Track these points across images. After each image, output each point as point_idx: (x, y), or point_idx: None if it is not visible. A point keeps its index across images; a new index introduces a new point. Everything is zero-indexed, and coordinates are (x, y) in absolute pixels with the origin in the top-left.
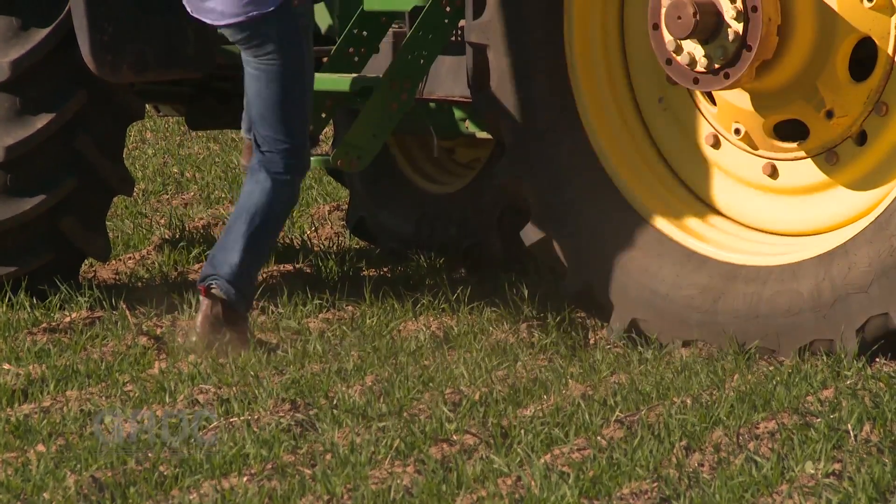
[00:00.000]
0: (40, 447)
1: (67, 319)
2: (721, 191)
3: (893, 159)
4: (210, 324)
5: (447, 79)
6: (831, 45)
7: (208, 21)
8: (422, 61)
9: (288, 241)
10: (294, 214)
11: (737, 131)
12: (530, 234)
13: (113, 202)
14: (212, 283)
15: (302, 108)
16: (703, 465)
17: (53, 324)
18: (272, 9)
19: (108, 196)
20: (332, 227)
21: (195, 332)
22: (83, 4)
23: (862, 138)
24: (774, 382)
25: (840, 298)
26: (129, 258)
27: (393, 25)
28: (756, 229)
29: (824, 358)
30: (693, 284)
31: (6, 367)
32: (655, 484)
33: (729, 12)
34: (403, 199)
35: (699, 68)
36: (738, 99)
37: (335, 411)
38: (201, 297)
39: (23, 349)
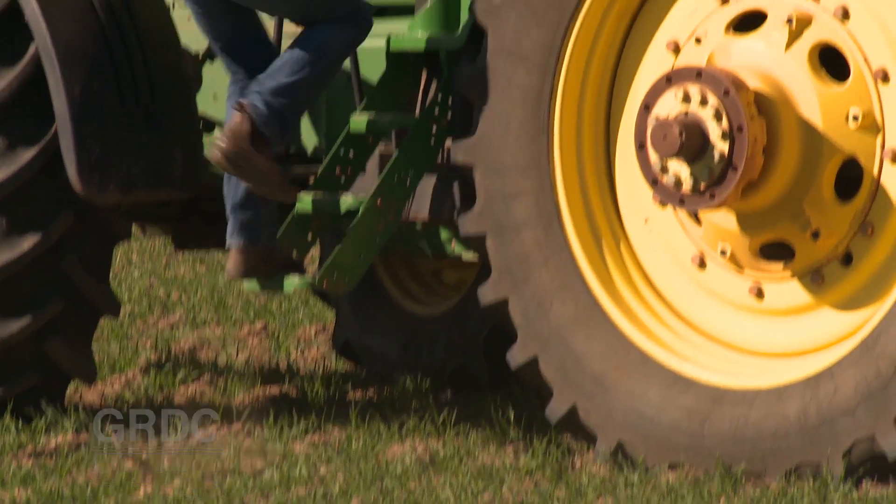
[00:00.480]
0: None
1: (53, 443)
2: (707, 312)
3: (879, 280)
4: (235, 138)
5: (434, 199)
6: (817, 165)
7: None
8: (408, 182)
9: (274, 363)
10: (279, 336)
11: (723, 252)
12: (516, 356)
13: (98, 324)
14: (245, 100)
15: None
16: None
17: (39, 447)
18: None
19: (94, 318)
20: (318, 349)
21: (220, 143)
22: (70, 124)
23: (848, 259)
24: None
25: (826, 421)
26: (115, 381)
27: (379, 146)
28: (742, 350)
29: (811, 481)
30: (679, 407)
31: None
32: None
33: (715, 132)
34: (390, 321)
35: (685, 188)
36: (723, 219)
37: None
38: (232, 111)
39: (8, 473)
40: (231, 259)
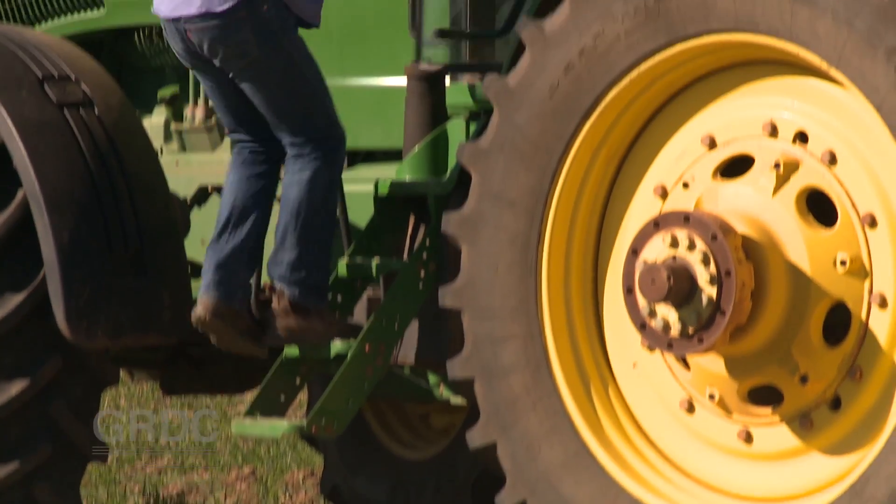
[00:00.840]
0: None
1: None
2: (696, 456)
3: (868, 425)
4: (287, 328)
5: (422, 344)
6: (805, 310)
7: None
8: (396, 326)
9: None
10: (268, 481)
11: (711, 396)
12: (505, 500)
13: (87, 469)
14: (277, 288)
15: (316, 90)
16: None
17: None
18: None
19: (82, 463)
20: (306, 494)
21: (280, 336)
22: (58, 269)
23: (836, 403)
24: None
25: None
26: None
27: (367, 290)
28: (731, 495)
29: None
30: None
31: None
32: None
33: (703, 276)
34: (378, 466)
35: (673, 333)
36: (712, 363)
37: None
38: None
39: None
40: (200, 305)
